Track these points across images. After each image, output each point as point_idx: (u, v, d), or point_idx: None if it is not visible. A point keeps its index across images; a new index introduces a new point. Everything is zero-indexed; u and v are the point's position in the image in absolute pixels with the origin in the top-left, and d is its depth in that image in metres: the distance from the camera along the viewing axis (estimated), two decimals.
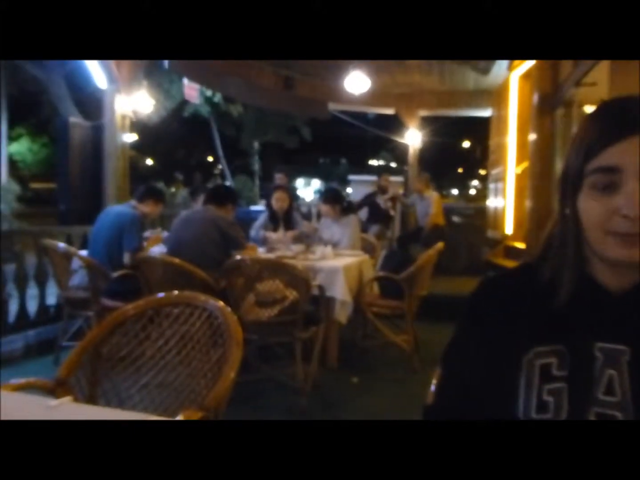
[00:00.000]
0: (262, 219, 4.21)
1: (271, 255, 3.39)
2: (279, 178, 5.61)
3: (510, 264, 4.94)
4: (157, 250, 3.61)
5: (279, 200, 4.08)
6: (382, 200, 6.39)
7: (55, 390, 1.13)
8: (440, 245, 3.48)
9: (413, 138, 7.51)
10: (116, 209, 3.43)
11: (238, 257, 2.75)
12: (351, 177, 8.65)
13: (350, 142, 21.22)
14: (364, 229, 5.27)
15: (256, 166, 20.75)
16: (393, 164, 24.91)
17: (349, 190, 9.10)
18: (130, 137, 4.67)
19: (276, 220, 4.14)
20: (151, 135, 14.54)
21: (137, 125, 7.70)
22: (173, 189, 14.75)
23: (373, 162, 26.40)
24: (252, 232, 4.12)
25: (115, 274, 3.11)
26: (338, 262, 3.25)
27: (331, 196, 4.03)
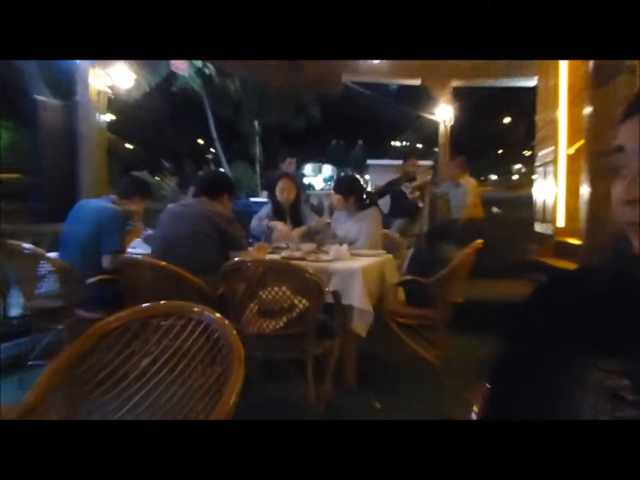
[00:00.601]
0: (265, 209, 4.22)
1: (276, 256, 3.39)
2: (288, 163, 5.62)
3: (562, 264, 4.91)
4: (139, 250, 3.62)
5: (284, 191, 4.09)
6: (408, 189, 6.35)
7: (23, 418, 1.13)
8: (478, 242, 3.46)
9: (444, 114, 7.47)
10: (93, 204, 3.44)
11: (237, 258, 2.75)
12: (370, 161, 8.57)
13: (368, 120, 21.13)
14: (386, 223, 5.26)
15: (257, 151, 20.77)
16: (420, 146, 24.78)
17: (367, 177, 9.09)
18: (108, 118, 4.71)
19: (281, 213, 4.16)
20: (132, 115, 14.59)
21: (116, 103, 7.73)
22: (158, 178, 14.83)
23: (396, 144, 26.29)
24: (254, 222, 4.15)
25: (92, 280, 3.12)
26: (356, 263, 3.25)
27: (346, 185, 4.04)
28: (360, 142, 28.42)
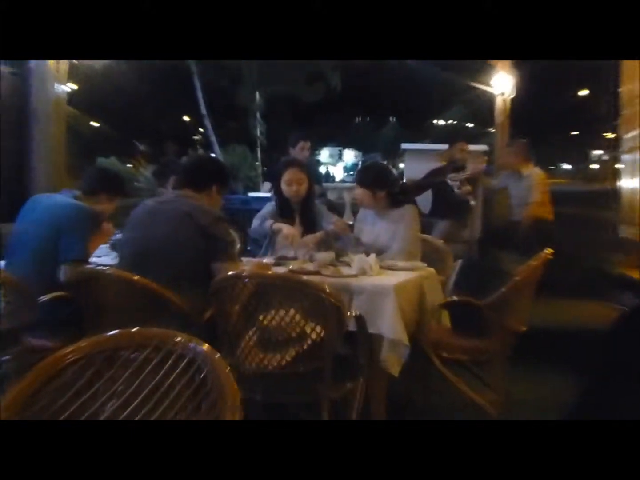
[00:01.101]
0: (268, 207, 4.26)
1: (282, 269, 3.38)
2: (300, 148, 5.64)
3: None
4: (104, 259, 3.66)
5: (293, 183, 4.11)
6: (455, 182, 6.32)
7: None
8: (546, 251, 3.43)
9: (502, 85, 7.43)
10: (50, 199, 3.47)
11: (231, 272, 2.75)
12: (406, 146, 8.60)
13: (404, 92, 21.12)
14: (427, 226, 5.23)
15: (258, 131, 20.81)
16: (470, 125, 24.66)
17: (402, 166, 9.11)
18: (69, 89, 4.74)
19: (289, 212, 4.18)
20: (99, 85, 14.73)
21: (78, 70, 7.78)
22: (131, 166, 14.91)
23: (439, 123, 26.21)
24: (254, 223, 4.18)
25: (46, 297, 3.12)
26: (387, 279, 3.25)
27: (374, 175, 4.06)
28: (392, 119, 28.37)
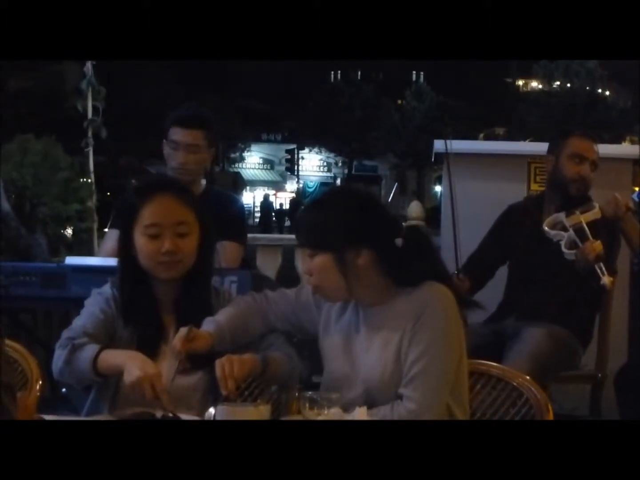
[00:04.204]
0: (101, 301, 3.80)
1: None
2: (177, 138, 5.41)
3: None
4: None
5: (163, 232, 3.67)
6: (564, 232, 5.84)
7: None
8: None
9: None
10: None
11: None
12: (440, 145, 8.31)
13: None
14: (487, 340, 5.49)
15: (90, 99, 18.89)
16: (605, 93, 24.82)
17: (437, 190, 8.80)
18: None
19: (150, 314, 3.80)
20: None
21: None
22: None
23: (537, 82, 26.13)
24: (61, 351, 3.65)
25: None
26: None
27: (339, 221, 3.56)
28: (418, 76, 27.74)
